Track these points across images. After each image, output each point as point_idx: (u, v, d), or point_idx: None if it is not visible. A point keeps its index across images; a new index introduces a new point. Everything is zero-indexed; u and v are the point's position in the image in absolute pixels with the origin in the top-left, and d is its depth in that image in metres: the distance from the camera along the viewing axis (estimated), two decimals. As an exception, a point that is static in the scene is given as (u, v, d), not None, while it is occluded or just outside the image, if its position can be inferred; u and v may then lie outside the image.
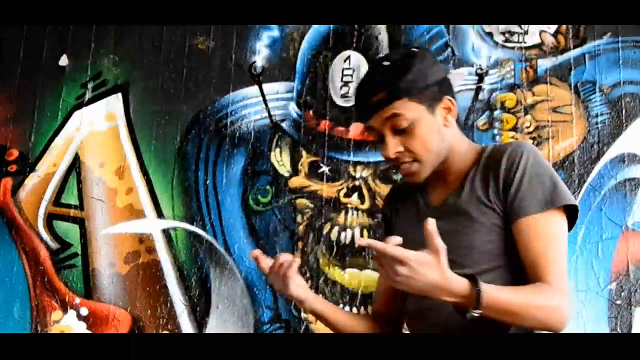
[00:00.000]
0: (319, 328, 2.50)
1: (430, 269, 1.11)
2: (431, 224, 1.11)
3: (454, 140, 1.37)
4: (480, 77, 2.58)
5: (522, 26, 2.61)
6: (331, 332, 1.50)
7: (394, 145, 1.31)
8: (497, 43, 2.62)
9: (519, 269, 1.28)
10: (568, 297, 1.22)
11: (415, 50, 1.36)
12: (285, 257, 1.42)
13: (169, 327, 2.60)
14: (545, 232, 1.25)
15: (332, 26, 2.72)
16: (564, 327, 1.21)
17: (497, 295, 1.15)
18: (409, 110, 1.29)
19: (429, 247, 1.12)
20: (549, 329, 1.19)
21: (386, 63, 1.33)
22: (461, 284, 1.13)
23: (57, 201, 2.77)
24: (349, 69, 2.67)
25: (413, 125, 1.30)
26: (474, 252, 1.31)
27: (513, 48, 2.61)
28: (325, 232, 2.58)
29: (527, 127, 2.54)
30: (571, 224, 1.31)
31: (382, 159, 2.50)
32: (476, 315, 1.13)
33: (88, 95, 2.84)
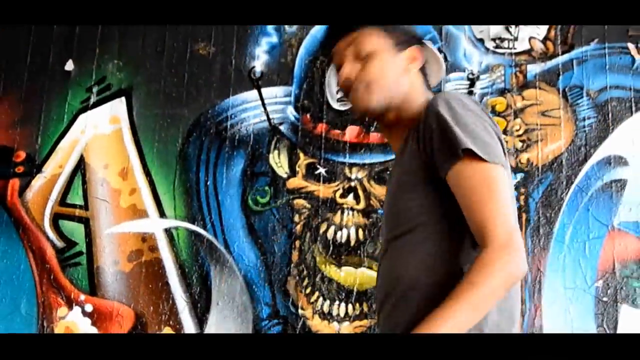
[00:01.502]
0: (315, 324, 2.51)
1: None
2: None
3: (411, 90, 1.29)
4: (472, 82, 2.59)
5: (512, 32, 2.61)
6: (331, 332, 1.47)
7: (348, 69, 1.28)
8: (487, 49, 2.62)
9: (446, 225, 1.18)
10: (514, 243, 1.09)
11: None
12: None
13: (171, 322, 2.59)
14: (468, 185, 1.13)
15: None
16: (523, 273, 1.11)
17: (432, 328, 1.08)
18: (374, 39, 1.28)
19: None
20: (513, 284, 1.11)
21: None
22: None
23: (62, 201, 2.76)
24: None
25: (373, 54, 1.27)
26: (392, 215, 1.26)
27: (503, 54, 2.61)
28: (321, 231, 2.57)
29: (517, 130, 2.54)
30: None
31: (377, 160, 2.56)
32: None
33: (93, 99, 2.84)
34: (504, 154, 1.19)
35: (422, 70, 1.33)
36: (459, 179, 1.13)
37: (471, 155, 1.12)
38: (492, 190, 1.11)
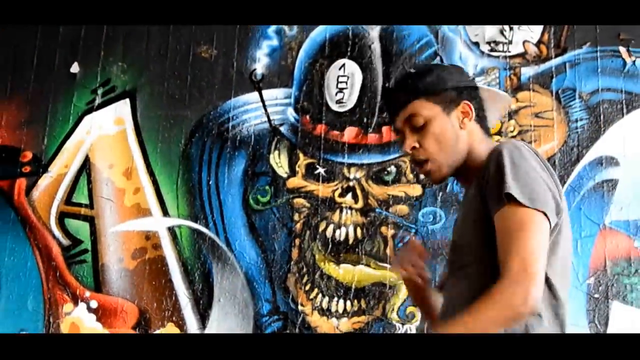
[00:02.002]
0: (315, 320, 2.51)
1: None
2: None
3: (473, 141, 1.35)
4: None
5: (506, 36, 2.62)
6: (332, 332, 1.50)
7: (410, 142, 1.34)
8: (482, 52, 2.62)
9: (492, 263, 1.23)
10: (528, 280, 1.12)
11: (440, 63, 1.42)
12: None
13: (174, 319, 2.60)
14: (504, 226, 1.19)
15: (327, 35, 2.73)
16: (529, 310, 1.13)
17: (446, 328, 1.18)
18: (425, 109, 1.33)
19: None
20: (517, 321, 1.14)
21: (412, 70, 1.39)
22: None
23: (68, 200, 2.76)
24: (344, 76, 2.67)
25: (428, 124, 1.33)
26: (456, 246, 1.34)
27: (498, 57, 2.61)
28: (320, 229, 2.58)
29: (511, 131, 2.54)
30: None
31: (374, 160, 2.57)
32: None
33: (98, 101, 2.84)
34: (556, 203, 1.22)
35: (479, 117, 1.37)
36: (499, 220, 1.19)
37: (514, 200, 1.17)
38: (524, 231, 1.16)
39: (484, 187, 1.25)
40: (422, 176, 2.55)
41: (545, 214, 1.18)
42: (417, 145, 1.34)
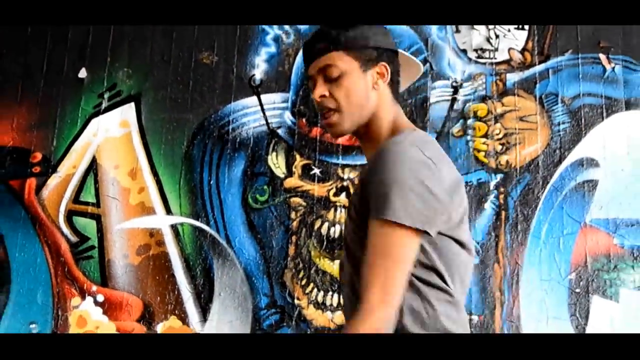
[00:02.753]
0: (310, 313, 2.52)
1: None
2: None
3: (381, 103, 1.29)
4: (455, 89, 2.60)
5: (493, 44, 2.62)
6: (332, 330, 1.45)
7: (321, 89, 1.27)
8: (470, 59, 2.63)
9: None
10: (389, 309, 1.10)
11: (376, 27, 1.34)
12: None
13: (176, 312, 2.59)
14: (377, 242, 1.13)
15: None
16: (381, 330, 1.10)
17: None
18: (342, 62, 1.26)
19: None
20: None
21: (338, 25, 1.32)
22: None
23: (76, 199, 2.75)
24: None
25: (342, 76, 1.26)
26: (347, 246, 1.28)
27: (484, 63, 2.62)
28: (316, 227, 2.58)
29: (497, 134, 2.55)
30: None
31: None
32: None
33: (104, 104, 2.82)
34: (442, 214, 1.16)
35: (393, 80, 1.31)
36: (371, 233, 1.13)
37: (389, 219, 1.11)
38: (391, 256, 1.11)
39: (364, 186, 1.19)
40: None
41: (421, 231, 1.13)
42: (327, 94, 1.27)
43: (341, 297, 1.38)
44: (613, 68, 2.54)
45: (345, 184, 2.60)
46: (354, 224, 1.22)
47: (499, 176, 2.53)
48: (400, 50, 1.34)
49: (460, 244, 1.22)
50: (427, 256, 1.17)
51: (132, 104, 2.80)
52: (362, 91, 1.27)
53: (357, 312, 1.10)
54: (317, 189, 2.61)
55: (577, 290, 2.41)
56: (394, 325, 1.12)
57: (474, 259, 1.29)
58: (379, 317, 1.09)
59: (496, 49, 2.61)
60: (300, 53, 2.71)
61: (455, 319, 1.20)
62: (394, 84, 1.31)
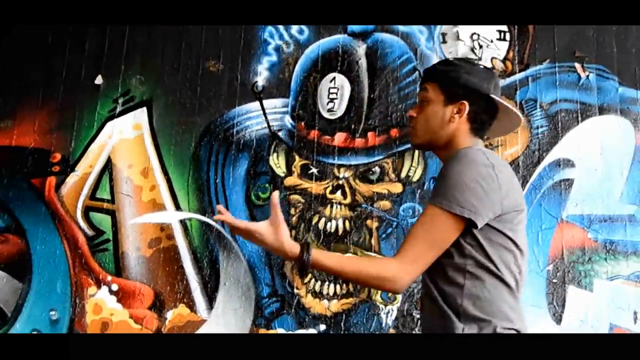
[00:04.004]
0: (309, 301, 2.52)
1: (269, 237, 1.24)
2: (275, 196, 1.27)
3: (457, 134, 1.39)
4: None
5: (477, 53, 2.60)
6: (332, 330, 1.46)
7: (413, 110, 1.45)
8: None
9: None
10: (411, 274, 1.23)
11: (474, 62, 1.49)
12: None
13: (185, 300, 2.59)
14: (422, 219, 1.27)
15: (320, 52, 2.72)
16: (397, 292, 1.27)
17: (324, 261, 1.25)
18: (432, 92, 1.41)
19: (270, 217, 1.25)
20: (384, 291, 1.22)
21: (449, 59, 1.51)
22: (294, 250, 1.25)
23: (92, 196, 2.76)
24: (334, 87, 2.67)
25: (427, 103, 1.41)
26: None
27: None
28: (313, 222, 2.59)
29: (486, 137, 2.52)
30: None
31: (361, 161, 2.62)
32: (309, 272, 1.26)
33: (118, 109, 2.84)
34: (490, 209, 1.25)
35: (475, 119, 1.39)
36: (422, 214, 1.29)
37: (436, 201, 1.26)
38: (428, 226, 1.25)
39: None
40: (402, 175, 2.55)
41: (466, 219, 1.24)
42: (414, 115, 1.43)
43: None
44: (587, 76, 2.53)
45: (340, 182, 2.60)
46: None
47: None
48: (499, 99, 1.42)
49: (514, 243, 1.31)
50: (479, 243, 1.27)
51: (144, 109, 2.81)
52: (437, 120, 1.39)
53: (388, 259, 1.24)
54: (315, 187, 2.62)
55: (555, 280, 2.40)
56: (396, 290, 1.24)
57: (526, 264, 1.36)
58: (401, 274, 1.22)
59: (480, 58, 2.60)
60: (300, 62, 2.73)
61: (513, 306, 1.27)
62: (475, 121, 1.40)
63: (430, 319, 1.34)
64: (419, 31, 2.68)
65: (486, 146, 2.43)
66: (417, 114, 1.43)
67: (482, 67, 1.44)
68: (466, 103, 1.38)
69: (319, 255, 1.26)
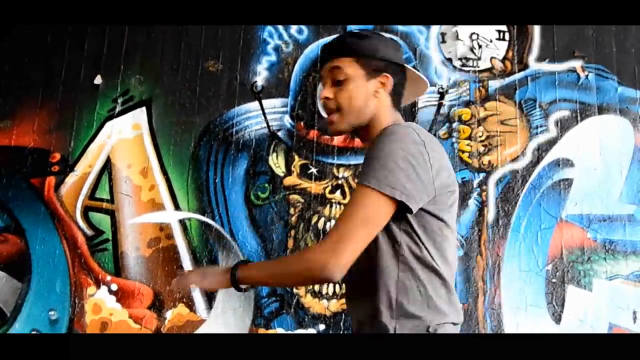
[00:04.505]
0: (308, 301, 2.51)
1: (199, 280, 1.28)
2: (174, 283, 1.32)
3: (380, 109, 1.31)
4: (441, 95, 2.59)
5: (476, 53, 2.61)
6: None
7: (326, 92, 1.31)
8: (455, 67, 2.62)
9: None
10: (339, 254, 1.11)
11: (383, 33, 1.38)
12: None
13: (184, 300, 2.58)
14: (352, 201, 1.17)
15: (319, 52, 2.62)
16: (333, 279, 1.13)
17: (249, 275, 1.22)
18: (349, 68, 1.29)
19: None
20: (319, 283, 1.15)
21: (354, 31, 1.36)
22: (224, 277, 1.23)
23: (91, 196, 2.75)
24: None
25: (347, 80, 1.29)
26: None
27: (468, 71, 2.61)
28: (313, 222, 2.59)
29: (480, 136, 2.54)
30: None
31: (361, 161, 2.58)
32: (244, 289, 1.25)
33: (118, 109, 2.82)
34: (421, 191, 1.17)
35: (395, 91, 1.33)
36: (352, 195, 1.19)
37: (365, 182, 1.16)
38: (355, 206, 1.15)
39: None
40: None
41: (398, 201, 1.15)
42: (331, 96, 1.30)
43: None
44: (587, 76, 2.54)
45: (340, 182, 2.59)
46: None
47: (482, 175, 2.51)
48: (408, 67, 1.37)
49: (449, 227, 1.24)
50: (414, 231, 1.19)
51: (144, 108, 2.80)
52: (362, 96, 1.29)
53: (310, 247, 1.15)
54: (314, 187, 2.61)
55: (554, 280, 2.41)
56: (328, 278, 1.13)
57: (456, 248, 1.31)
58: (326, 259, 1.12)
59: (479, 58, 2.61)
60: (299, 62, 2.73)
61: (447, 300, 1.21)
62: (395, 94, 1.34)
63: (359, 310, 1.27)
64: (418, 31, 2.68)
65: (484, 146, 2.56)
66: (335, 95, 1.30)
67: (388, 37, 1.37)
68: (389, 76, 1.31)
69: (245, 271, 1.22)
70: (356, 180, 1.22)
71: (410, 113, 2.60)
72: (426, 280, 1.20)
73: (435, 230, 1.22)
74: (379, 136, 1.21)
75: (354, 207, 1.15)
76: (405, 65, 1.36)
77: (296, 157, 2.65)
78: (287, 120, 2.70)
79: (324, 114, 1.35)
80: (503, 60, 2.61)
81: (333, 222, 2.57)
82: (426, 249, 1.21)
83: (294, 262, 1.19)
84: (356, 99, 1.29)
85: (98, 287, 2.66)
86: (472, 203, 2.52)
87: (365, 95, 1.30)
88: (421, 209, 1.19)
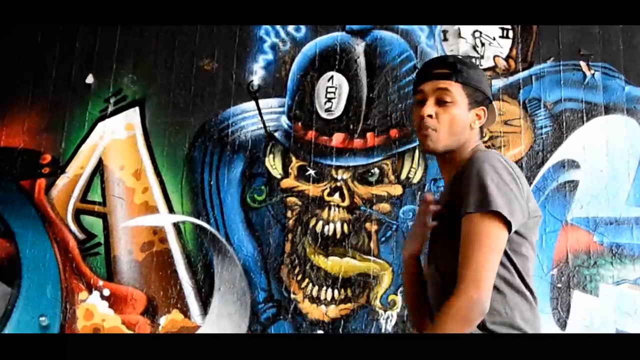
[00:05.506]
0: (306, 307, 2.50)
1: None
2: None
3: (468, 141, 1.35)
4: None
5: (479, 51, 2.60)
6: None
7: (430, 109, 1.32)
8: None
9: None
10: (480, 291, 1.15)
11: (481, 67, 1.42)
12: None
13: (178, 305, 2.58)
14: (471, 232, 1.20)
15: (317, 50, 2.72)
16: (480, 317, 1.16)
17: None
18: (457, 93, 1.32)
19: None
20: (474, 325, 1.16)
21: (460, 56, 1.38)
22: None
23: (83, 198, 2.74)
24: (332, 87, 2.66)
25: (452, 105, 1.32)
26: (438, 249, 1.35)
27: None
28: (311, 225, 2.57)
29: (483, 137, 2.50)
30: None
31: (359, 163, 2.56)
32: None
33: (110, 109, 2.81)
34: (521, 210, 1.22)
35: (485, 124, 1.40)
36: (469, 225, 1.21)
37: (485, 209, 1.19)
38: (482, 240, 1.18)
39: (458, 187, 1.25)
40: (402, 177, 2.53)
41: (507, 222, 1.19)
42: (433, 115, 1.32)
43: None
44: (593, 74, 2.52)
45: (338, 184, 2.59)
46: (443, 232, 1.30)
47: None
48: (493, 101, 1.42)
49: (534, 250, 1.29)
50: (505, 255, 1.23)
51: (137, 108, 2.80)
52: (462, 124, 1.33)
53: (450, 299, 1.16)
54: (312, 189, 2.60)
55: (559, 285, 2.39)
56: (483, 311, 1.16)
57: None
58: (471, 296, 1.15)
59: (482, 56, 2.60)
60: (297, 60, 2.72)
61: (529, 320, 1.24)
62: (481, 127, 1.39)
63: None
64: (419, 28, 2.70)
65: (488, 147, 2.50)
66: (437, 115, 1.33)
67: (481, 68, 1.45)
68: (485, 109, 1.37)
69: None
70: (464, 211, 1.23)
71: (412, 113, 2.53)
72: (513, 302, 1.23)
73: (524, 253, 1.26)
74: (472, 163, 1.25)
75: (481, 237, 1.19)
76: (492, 100, 1.42)
77: (293, 159, 2.64)
78: (284, 121, 2.69)
79: (418, 130, 1.37)
80: (507, 59, 2.60)
81: (331, 225, 2.55)
82: (518, 271, 1.25)
83: (450, 322, 1.18)
84: (457, 125, 1.33)
85: (90, 292, 2.65)
86: (475, 206, 2.48)
87: (465, 123, 1.34)
88: (514, 232, 1.24)
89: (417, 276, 1.43)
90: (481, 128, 1.39)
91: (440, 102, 1.33)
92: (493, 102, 1.40)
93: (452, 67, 1.34)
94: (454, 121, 1.32)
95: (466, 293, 1.15)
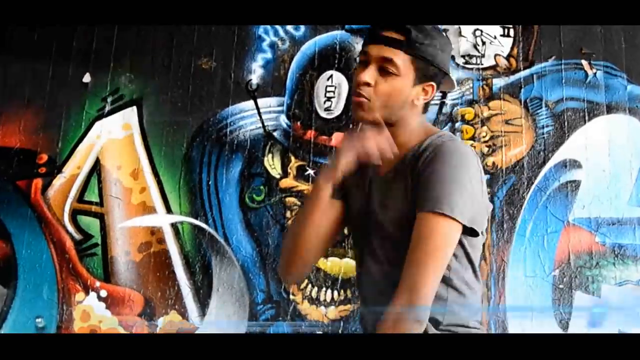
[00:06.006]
0: (305, 308, 2.50)
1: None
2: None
3: (408, 116, 1.24)
4: (444, 94, 2.58)
5: (479, 50, 2.61)
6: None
7: (370, 76, 1.20)
8: (458, 64, 2.62)
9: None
10: (419, 298, 1.08)
11: (439, 29, 1.29)
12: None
13: (176, 307, 2.58)
14: (422, 233, 1.12)
15: (316, 49, 2.72)
16: (424, 322, 1.10)
17: None
18: (404, 66, 1.19)
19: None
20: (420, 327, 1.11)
21: (425, 26, 1.25)
22: None
23: (80, 198, 2.74)
24: (331, 86, 2.66)
25: (394, 77, 1.19)
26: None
27: (472, 69, 2.61)
28: None
29: (484, 137, 2.53)
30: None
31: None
32: None
33: (107, 108, 2.81)
34: (478, 213, 1.17)
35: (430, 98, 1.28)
36: (422, 226, 1.12)
37: (439, 211, 1.11)
38: (433, 243, 1.11)
39: (420, 176, 1.16)
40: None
41: (460, 223, 1.12)
42: (372, 83, 1.19)
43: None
44: (595, 73, 2.53)
45: None
46: (402, 206, 1.19)
47: (486, 177, 2.49)
48: (450, 75, 1.30)
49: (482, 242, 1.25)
50: (466, 254, 1.18)
51: (134, 108, 2.79)
52: (402, 99, 1.21)
53: (390, 308, 1.09)
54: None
55: (561, 286, 2.39)
56: (419, 319, 1.11)
57: None
58: (414, 310, 1.09)
59: (483, 55, 2.61)
60: (296, 59, 2.72)
61: (477, 313, 1.22)
62: (430, 100, 1.27)
63: None
64: None
65: (488, 147, 2.52)
66: (376, 84, 1.20)
67: (444, 34, 1.30)
68: (434, 85, 1.24)
69: None
70: (421, 206, 1.16)
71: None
72: (471, 304, 1.21)
73: (479, 247, 1.22)
74: (440, 152, 1.16)
75: (434, 241, 1.12)
76: (448, 73, 1.29)
77: (293, 158, 2.64)
78: (283, 120, 2.69)
79: (353, 93, 1.23)
80: (508, 58, 2.60)
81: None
82: (475, 271, 1.21)
83: (393, 328, 1.11)
84: (395, 99, 1.21)
85: (87, 293, 2.65)
86: (476, 206, 2.47)
87: (405, 98, 1.22)
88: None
89: (326, 212, 1.28)
90: (426, 103, 1.26)
91: (383, 71, 1.19)
92: (450, 74, 1.29)
93: (405, 34, 1.20)
94: (393, 95, 1.20)
95: (409, 303, 1.08)
